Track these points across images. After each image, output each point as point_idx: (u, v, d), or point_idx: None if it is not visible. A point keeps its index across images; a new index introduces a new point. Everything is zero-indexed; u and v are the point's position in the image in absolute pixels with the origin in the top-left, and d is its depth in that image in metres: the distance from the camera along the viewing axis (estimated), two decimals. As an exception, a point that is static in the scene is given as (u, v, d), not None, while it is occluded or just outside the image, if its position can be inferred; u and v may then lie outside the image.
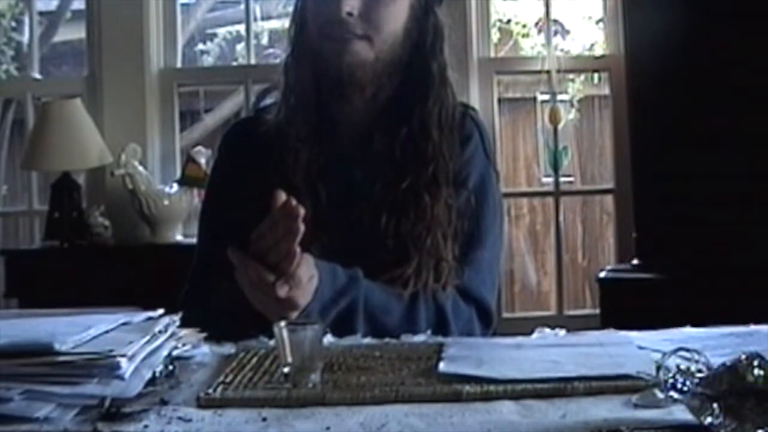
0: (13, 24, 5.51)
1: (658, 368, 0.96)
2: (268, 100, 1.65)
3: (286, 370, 1.09)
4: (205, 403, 1.03)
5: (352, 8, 1.46)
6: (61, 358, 1.01)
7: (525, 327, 1.45)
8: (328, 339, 1.30)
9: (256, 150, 1.55)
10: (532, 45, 5.34)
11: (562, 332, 1.49)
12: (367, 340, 1.36)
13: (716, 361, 0.92)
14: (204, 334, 1.29)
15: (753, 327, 1.36)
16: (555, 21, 4.10)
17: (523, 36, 5.49)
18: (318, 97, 1.52)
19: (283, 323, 1.10)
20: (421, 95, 1.53)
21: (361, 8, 1.47)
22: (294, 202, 1.26)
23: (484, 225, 1.54)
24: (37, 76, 3.90)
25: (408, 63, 1.53)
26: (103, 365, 1.02)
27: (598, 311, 3.14)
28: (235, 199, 1.53)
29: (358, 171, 1.53)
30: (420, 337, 1.37)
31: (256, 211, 1.45)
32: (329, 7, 1.47)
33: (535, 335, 1.48)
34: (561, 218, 3.69)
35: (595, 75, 4.71)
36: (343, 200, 1.50)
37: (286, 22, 1.65)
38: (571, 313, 3.73)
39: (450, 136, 1.54)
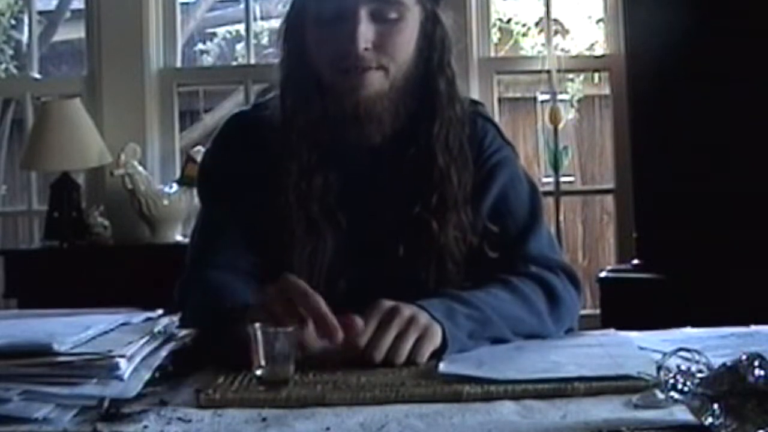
0: (13, 22, 5.51)
1: (659, 369, 0.96)
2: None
3: (258, 372, 1.08)
4: (204, 403, 1.03)
5: (367, 42, 1.40)
6: (60, 359, 1.01)
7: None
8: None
9: (261, 156, 1.49)
10: (532, 45, 5.35)
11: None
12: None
13: (717, 362, 0.92)
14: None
15: (753, 327, 1.36)
16: (555, 20, 4.10)
17: (523, 36, 5.49)
18: (329, 125, 1.46)
19: (257, 324, 1.09)
20: (429, 116, 1.47)
21: (376, 40, 1.41)
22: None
23: (531, 207, 1.53)
24: (37, 75, 3.90)
25: (419, 81, 1.47)
26: (102, 366, 1.02)
27: (598, 311, 3.14)
28: (240, 197, 1.49)
29: (372, 196, 1.48)
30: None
31: (263, 220, 1.44)
32: (344, 42, 1.40)
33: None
34: (561, 218, 3.68)
35: (596, 75, 4.71)
36: (361, 228, 1.46)
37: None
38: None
39: (460, 156, 1.48)
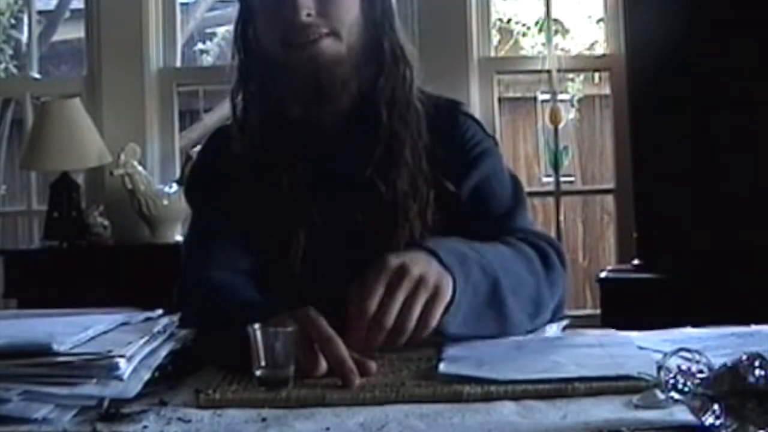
0: (12, 22, 5.51)
1: (659, 369, 0.95)
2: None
3: (258, 372, 1.08)
4: (204, 403, 1.03)
5: (309, 9, 1.41)
6: (60, 359, 1.01)
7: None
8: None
9: (240, 161, 1.51)
10: (532, 44, 5.35)
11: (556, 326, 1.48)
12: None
13: (717, 362, 0.92)
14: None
15: (753, 327, 1.36)
16: (555, 20, 4.10)
17: (523, 35, 5.49)
18: (296, 101, 1.47)
19: (257, 324, 1.09)
20: (375, 75, 1.48)
21: (317, 6, 1.42)
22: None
23: (514, 193, 1.55)
24: (36, 75, 3.90)
25: (370, 44, 1.48)
26: (101, 366, 1.01)
27: (598, 311, 3.14)
28: (228, 201, 1.50)
29: (342, 173, 1.48)
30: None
31: (249, 221, 1.46)
32: (286, 16, 1.42)
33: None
34: (561, 218, 3.68)
35: (596, 74, 4.71)
36: (335, 212, 1.47)
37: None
38: (572, 313, 3.72)
39: (408, 115, 1.48)
